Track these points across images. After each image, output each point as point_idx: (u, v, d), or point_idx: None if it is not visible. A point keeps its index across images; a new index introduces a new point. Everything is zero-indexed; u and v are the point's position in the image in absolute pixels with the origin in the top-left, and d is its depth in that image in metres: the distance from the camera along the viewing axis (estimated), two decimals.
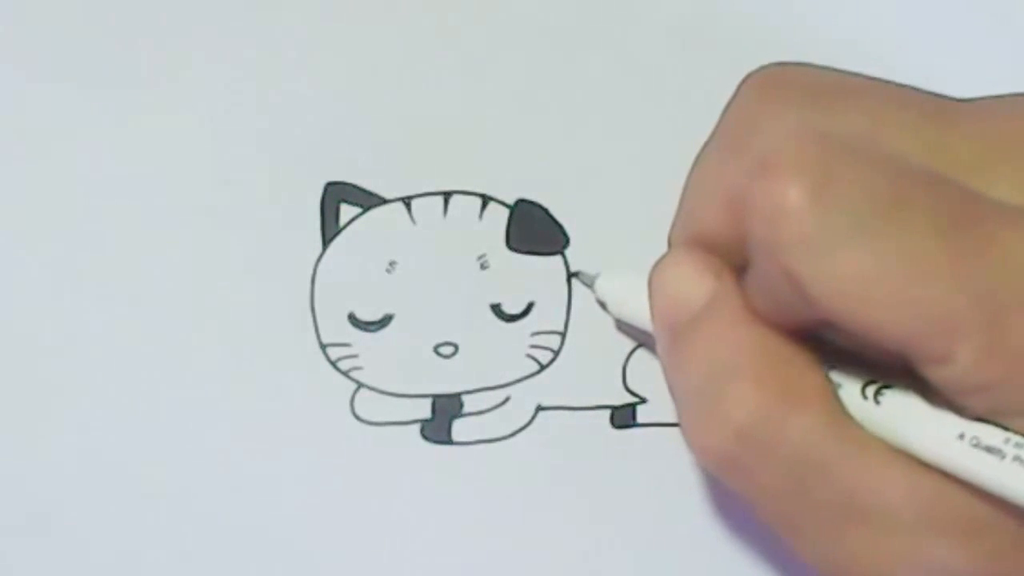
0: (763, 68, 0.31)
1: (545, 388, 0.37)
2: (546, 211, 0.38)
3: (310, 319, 0.37)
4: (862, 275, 0.26)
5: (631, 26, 0.40)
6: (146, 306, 0.37)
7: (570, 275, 0.38)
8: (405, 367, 0.37)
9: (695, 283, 0.30)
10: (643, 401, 0.37)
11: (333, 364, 0.37)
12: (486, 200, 0.38)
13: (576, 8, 0.40)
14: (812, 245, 0.26)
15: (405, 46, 0.39)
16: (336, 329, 0.37)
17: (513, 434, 0.37)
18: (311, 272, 0.38)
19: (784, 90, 0.30)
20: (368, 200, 0.38)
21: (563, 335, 0.38)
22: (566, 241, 0.38)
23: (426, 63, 0.39)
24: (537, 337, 0.37)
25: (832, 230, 0.26)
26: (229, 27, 0.39)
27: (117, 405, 0.37)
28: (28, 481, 0.36)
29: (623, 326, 0.37)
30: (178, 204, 0.38)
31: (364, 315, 0.37)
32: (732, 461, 0.29)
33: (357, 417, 0.37)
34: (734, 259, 0.30)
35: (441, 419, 0.37)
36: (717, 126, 0.32)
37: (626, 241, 0.38)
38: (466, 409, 0.37)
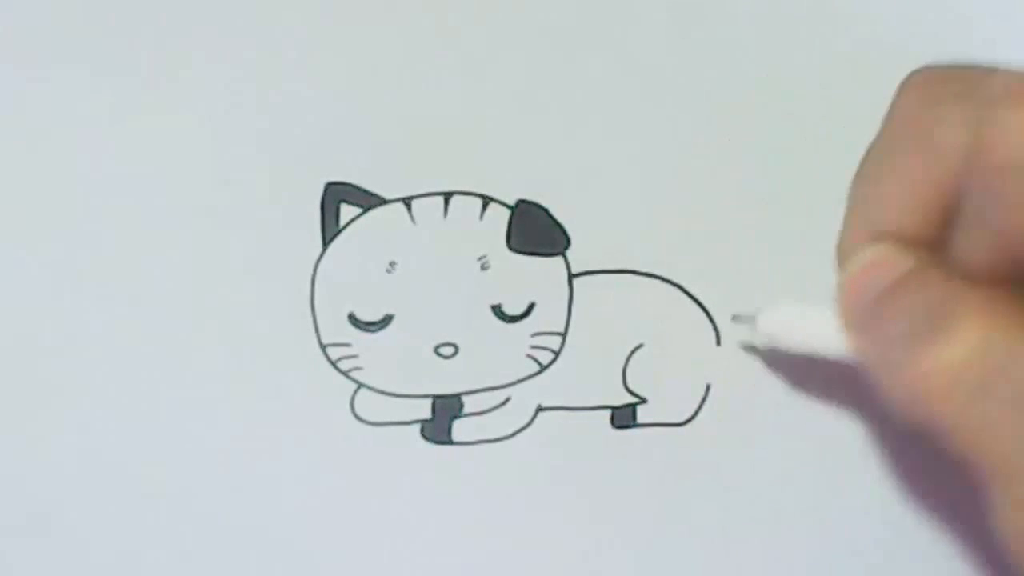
0: (922, 70, 0.32)
1: (545, 388, 0.37)
2: (547, 212, 0.38)
3: (310, 319, 0.37)
4: None
5: (631, 26, 0.40)
6: (146, 306, 0.37)
7: (571, 276, 0.38)
8: (405, 367, 0.37)
9: (898, 254, 0.30)
10: (643, 401, 0.37)
11: (333, 364, 0.37)
12: (487, 200, 0.38)
13: (576, 8, 0.40)
14: None
15: (405, 46, 0.39)
16: (336, 329, 0.37)
17: (513, 434, 0.37)
18: (311, 272, 0.38)
19: (951, 85, 0.30)
20: (368, 200, 0.38)
21: (563, 336, 0.38)
22: (567, 242, 0.38)
23: (426, 63, 0.39)
24: (537, 338, 0.37)
25: None
26: (229, 27, 0.39)
27: (117, 405, 0.37)
28: (28, 481, 0.36)
29: (774, 364, 0.37)
30: (178, 204, 0.38)
31: (364, 315, 0.37)
32: (951, 398, 0.28)
33: (357, 417, 0.37)
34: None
35: (441, 419, 0.37)
36: (885, 130, 0.32)
37: (626, 241, 0.38)
38: (466, 409, 0.37)
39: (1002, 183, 0.29)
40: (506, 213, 0.38)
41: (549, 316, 0.38)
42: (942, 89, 0.31)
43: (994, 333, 0.28)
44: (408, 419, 0.37)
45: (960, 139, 0.29)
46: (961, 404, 0.29)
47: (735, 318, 0.37)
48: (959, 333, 0.28)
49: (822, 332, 0.33)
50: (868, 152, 0.32)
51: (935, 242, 0.31)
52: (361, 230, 0.38)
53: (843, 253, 0.33)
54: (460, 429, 0.37)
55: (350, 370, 0.37)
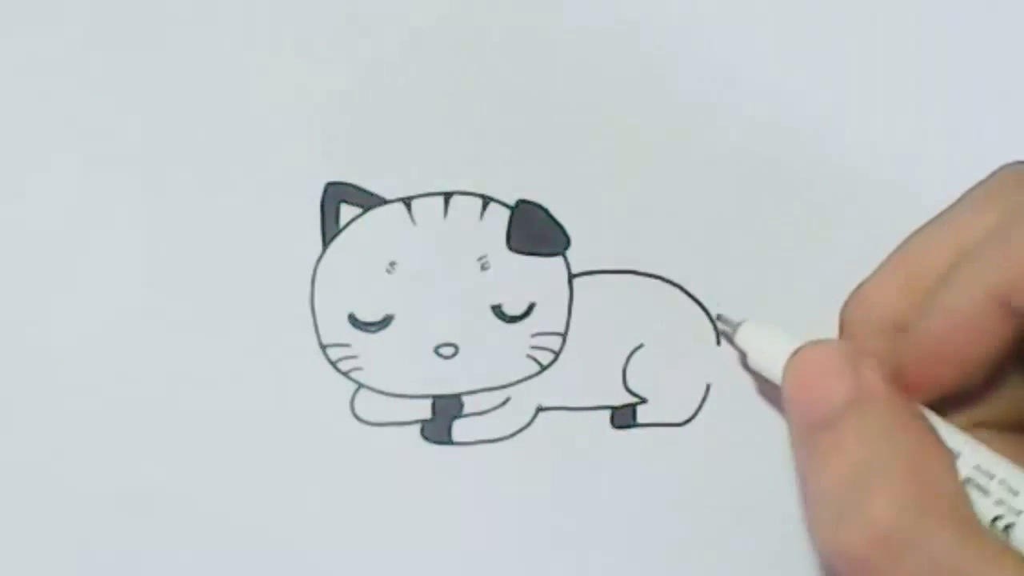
0: (1016, 164, 0.33)
1: (545, 389, 0.37)
2: (547, 212, 0.38)
3: (310, 319, 0.37)
4: None
5: (632, 26, 0.40)
6: (146, 306, 0.37)
7: (571, 276, 0.38)
8: (405, 367, 0.37)
9: (841, 377, 0.31)
10: (643, 401, 0.38)
11: (333, 364, 0.37)
12: (487, 201, 0.38)
13: (577, 8, 0.39)
14: None
15: (405, 46, 0.39)
16: (336, 329, 0.37)
17: (513, 434, 0.37)
18: (311, 272, 0.38)
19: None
20: (368, 200, 0.38)
21: (563, 336, 0.38)
22: (567, 242, 0.38)
23: (426, 63, 0.39)
24: (537, 338, 0.37)
25: None
26: (230, 27, 0.39)
27: (117, 405, 0.37)
28: (28, 481, 0.36)
29: (759, 378, 0.37)
30: (178, 204, 0.38)
31: (364, 315, 0.37)
32: (866, 564, 0.29)
33: (357, 417, 0.37)
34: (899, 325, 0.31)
35: (441, 419, 0.37)
36: (954, 207, 0.33)
37: (626, 241, 0.38)
38: (466, 409, 0.37)
39: None
40: (506, 213, 0.38)
41: (549, 316, 0.38)
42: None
43: (907, 506, 0.29)
44: (408, 419, 0.37)
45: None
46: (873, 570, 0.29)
47: (719, 318, 0.37)
48: (876, 505, 0.29)
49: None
50: (931, 220, 0.33)
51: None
52: (361, 230, 0.38)
53: (860, 296, 0.33)
54: (460, 429, 0.37)
55: (350, 370, 0.37)
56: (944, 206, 0.38)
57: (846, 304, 0.35)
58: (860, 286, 0.34)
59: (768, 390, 0.37)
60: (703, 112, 0.39)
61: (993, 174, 0.33)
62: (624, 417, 0.37)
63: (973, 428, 0.32)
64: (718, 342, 0.38)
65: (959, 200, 0.33)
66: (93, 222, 0.38)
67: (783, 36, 0.40)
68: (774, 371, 0.34)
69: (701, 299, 0.38)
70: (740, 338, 0.36)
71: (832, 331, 0.37)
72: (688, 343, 0.38)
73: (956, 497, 0.29)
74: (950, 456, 0.30)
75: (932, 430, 0.31)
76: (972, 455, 0.31)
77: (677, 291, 0.38)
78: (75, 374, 0.37)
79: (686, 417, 0.38)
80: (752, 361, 0.36)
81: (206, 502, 0.36)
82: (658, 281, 0.38)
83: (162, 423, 0.37)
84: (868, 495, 0.29)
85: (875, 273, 0.34)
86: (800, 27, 0.40)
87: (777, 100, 0.39)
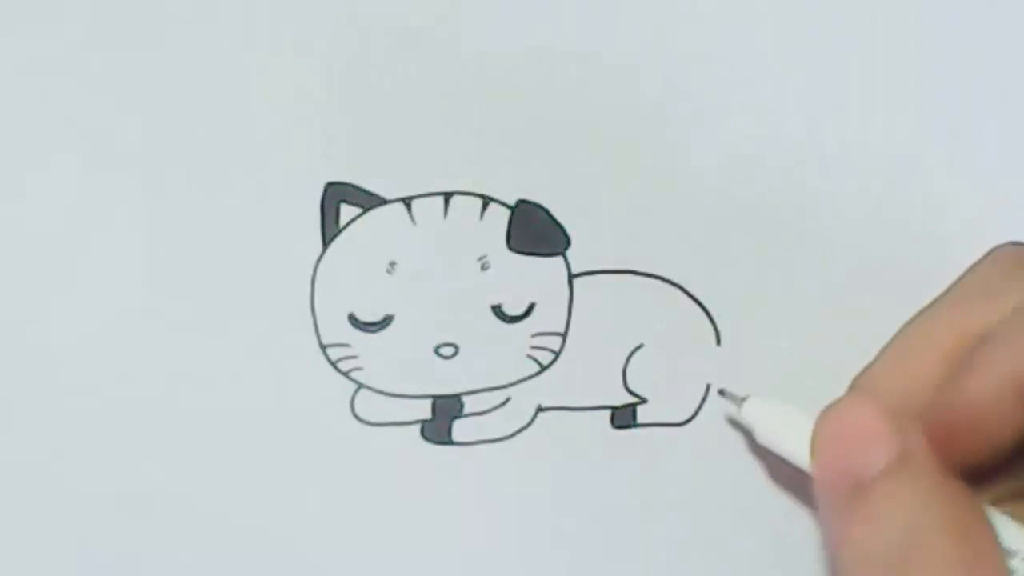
0: (1006, 245, 0.33)
1: (545, 389, 0.37)
2: (547, 212, 0.38)
3: (310, 319, 0.37)
4: None
5: (632, 27, 0.40)
6: (146, 306, 0.37)
7: (571, 276, 0.38)
8: (405, 368, 0.37)
9: (882, 437, 0.30)
10: (643, 401, 0.38)
11: (333, 365, 0.37)
12: (487, 201, 0.38)
13: (576, 9, 0.39)
14: None
15: (405, 46, 0.39)
16: (336, 330, 0.37)
17: (513, 434, 0.37)
18: (311, 272, 0.38)
19: None
20: (368, 200, 0.38)
21: (564, 336, 0.38)
22: (567, 242, 0.38)
23: (426, 63, 0.39)
24: (538, 338, 0.37)
25: None
26: (230, 27, 0.39)
27: (117, 405, 0.37)
28: (28, 481, 0.36)
29: (766, 451, 0.36)
30: (178, 204, 0.38)
31: (364, 315, 0.37)
32: None
33: (357, 417, 0.37)
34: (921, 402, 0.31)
35: (441, 419, 0.37)
36: (949, 289, 0.32)
37: (626, 241, 0.38)
38: (466, 410, 0.37)
39: None
40: (506, 213, 0.38)
41: (549, 316, 0.38)
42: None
43: (957, 573, 0.29)
44: (408, 419, 0.37)
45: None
46: None
47: (722, 393, 0.37)
48: (928, 571, 0.29)
49: (797, 448, 0.33)
50: (934, 303, 0.33)
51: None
52: (361, 230, 0.38)
53: (867, 380, 0.33)
54: (460, 429, 0.37)
55: (350, 370, 0.37)
56: (944, 206, 0.38)
57: (852, 387, 0.34)
58: (866, 370, 0.34)
59: (768, 389, 0.37)
60: (703, 112, 0.39)
61: (989, 255, 0.33)
62: (624, 417, 0.37)
63: (994, 503, 0.32)
64: (718, 342, 0.38)
65: (961, 283, 0.33)
66: (93, 222, 0.38)
67: (783, 36, 0.40)
68: (786, 445, 0.34)
69: (701, 299, 0.38)
70: (746, 412, 0.36)
71: (831, 333, 0.37)
72: (688, 343, 0.38)
73: (1002, 565, 0.29)
74: (990, 523, 0.30)
75: (973, 495, 0.30)
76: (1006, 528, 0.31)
77: (677, 291, 0.38)
78: (75, 374, 0.37)
79: (686, 417, 0.38)
80: (761, 437, 0.35)
81: (206, 502, 0.36)
82: (658, 281, 0.38)
83: (162, 423, 0.37)
84: (919, 561, 0.29)
85: (881, 356, 0.33)
86: (800, 27, 0.40)
87: (777, 100, 0.39)
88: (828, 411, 0.31)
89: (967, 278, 0.33)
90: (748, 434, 0.36)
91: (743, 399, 0.36)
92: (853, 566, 0.30)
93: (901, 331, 0.33)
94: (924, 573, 0.29)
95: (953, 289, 0.33)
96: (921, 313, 0.33)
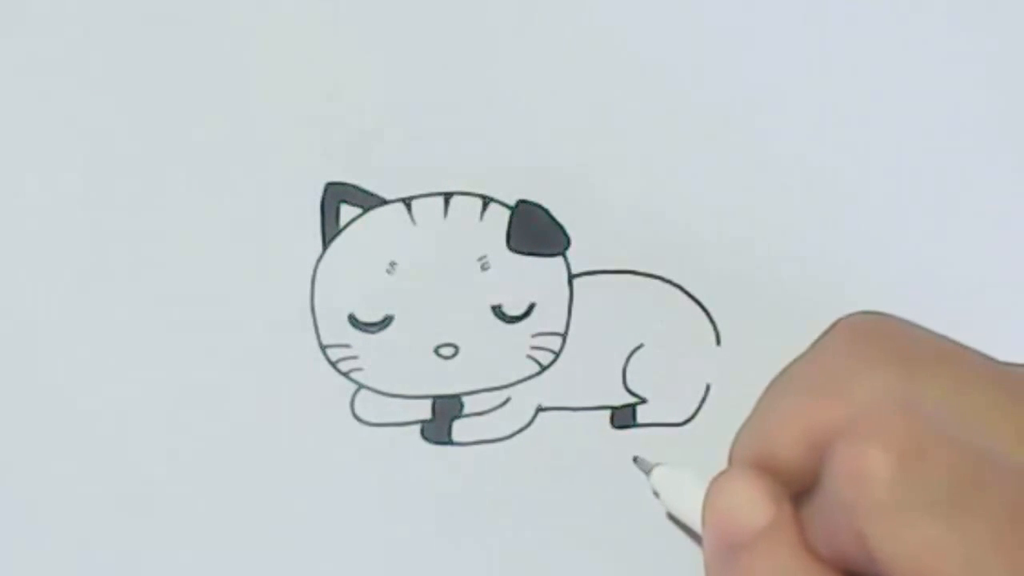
0: (858, 315, 0.32)
1: (545, 389, 0.37)
2: (547, 212, 0.38)
3: (310, 320, 0.37)
4: (933, 549, 0.27)
5: (632, 27, 0.40)
6: (146, 306, 0.37)
7: (571, 276, 0.38)
8: (405, 368, 0.37)
9: (756, 504, 0.31)
10: (643, 401, 0.37)
11: (333, 365, 0.37)
12: (487, 201, 0.38)
13: (577, 9, 0.39)
14: (889, 513, 0.28)
15: (406, 46, 0.39)
16: (336, 330, 0.37)
17: (513, 435, 0.37)
18: (311, 272, 0.38)
19: (876, 346, 0.31)
20: (368, 200, 0.38)
21: (564, 336, 0.38)
22: (567, 242, 0.38)
23: (427, 63, 0.39)
24: (538, 338, 0.37)
25: (911, 502, 0.28)
26: (230, 27, 0.39)
27: (117, 405, 0.37)
28: (28, 481, 0.36)
29: (673, 518, 0.37)
30: (178, 204, 0.38)
31: (364, 316, 0.37)
32: None
33: (357, 418, 0.37)
34: (794, 487, 0.31)
35: (441, 420, 0.37)
36: (804, 359, 0.32)
37: (626, 242, 0.38)
38: (466, 410, 0.37)
39: (823, 501, 0.30)
40: (506, 213, 0.38)
41: (549, 316, 0.38)
42: (865, 347, 0.31)
43: None
44: (408, 419, 0.37)
45: (866, 412, 0.29)
46: None
47: (636, 460, 0.37)
48: None
49: (695, 516, 0.33)
50: (786, 371, 0.32)
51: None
52: (361, 230, 0.38)
53: (734, 454, 0.33)
54: (460, 429, 0.37)
55: (350, 371, 0.37)
56: (943, 207, 0.38)
57: (731, 455, 0.34)
58: (738, 441, 0.33)
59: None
60: (703, 112, 0.39)
61: (837, 327, 0.32)
62: (624, 417, 0.37)
63: None
64: (718, 342, 0.38)
65: (810, 363, 0.32)
66: (93, 222, 0.38)
67: (783, 37, 0.40)
68: (684, 510, 0.35)
69: (701, 299, 0.38)
70: (654, 480, 0.36)
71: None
72: (688, 343, 0.38)
73: None
74: None
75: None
76: None
77: (677, 291, 0.38)
78: (75, 374, 0.37)
79: (686, 417, 0.38)
80: (667, 503, 0.36)
81: (206, 502, 0.36)
82: (658, 281, 0.38)
83: (162, 423, 0.37)
84: None
85: (745, 430, 0.33)
86: (801, 28, 0.40)
87: (778, 101, 0.39)
88: (715, 480, 0.32)
89: (817, 356, 0.32)
90: None
91: (654, 465, 0.36)
92: None
93: (760, 405, 0.33)
94: None
95: (803, 370, 0.32)
96: (776, 392, 0.33)
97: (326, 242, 0.38)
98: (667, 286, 0.38)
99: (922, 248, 0.39)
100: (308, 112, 0.39)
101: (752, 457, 0.32)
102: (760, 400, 0.33)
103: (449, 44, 0.39)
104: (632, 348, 0.38)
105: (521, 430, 0.37)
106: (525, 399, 0.37)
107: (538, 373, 0.37)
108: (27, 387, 0.37)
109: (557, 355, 0.38)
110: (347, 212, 0.38)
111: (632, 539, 0.37)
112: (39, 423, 0.37)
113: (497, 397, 0.37)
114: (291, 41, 0.39)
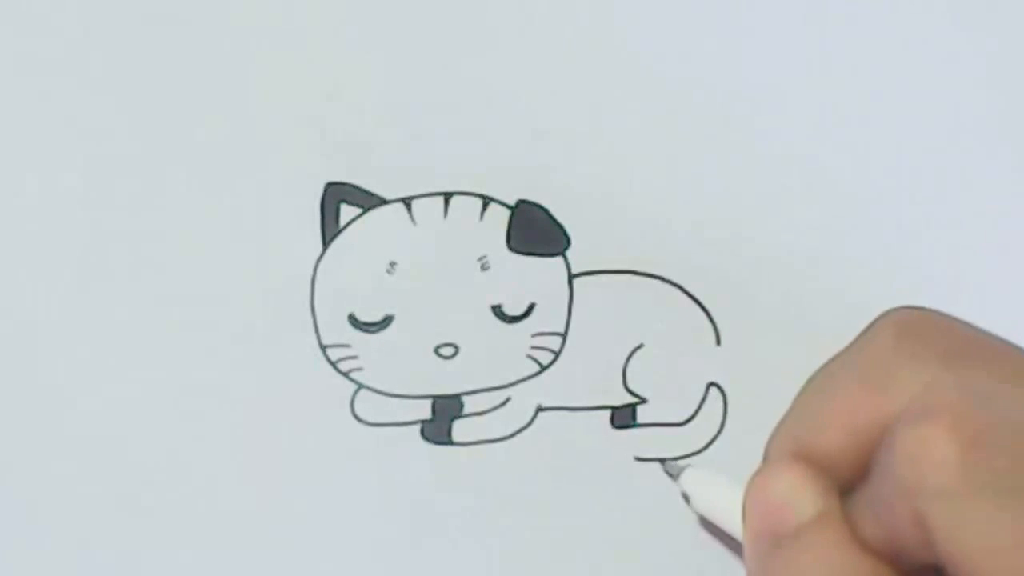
0: (903, 310, 0.32)
1: (545, 389, 0.37)
2: (547, 212, 0.38)
3: (310, 320, 0.37)
4: (996, 534, 0.27)
5: (632, 27, 0.40)
6: (146, 306, 0.37)
7: (571, 276, 0.38)
8: (405, 368, 0.37)
9: (804, 496, 0.31)
10: (643, 401, 0.37)
11: (333, 365, 0.37)
12: (487, 201, 0.38)
13: (577, 9, 0.39)
14: (953, 496, 0.27)
15: (406, 46, 0.39)
16: (336, 330, 0.37)
17: (513, 434, 0.37)
18: (311, 272, 0.38)
19: (923, 340, 0.31)
20: (368, 200, 0.38)
21: (563, 336, 0.38)
22: (567, 242, 0.38)
23: (427, 63, 0.39)
24: (538, 338, 0.37)
25: (976, 486, 0.27)
26: (230, 27, 0.39)
27: (117, 406, 0.37)
28: (28, 481, 0.36)
29: (705, 522, 0.36)
30: (178, 204, 0.38)
31: (364, 316, 0.37)
32: None
33: (357, 418, 0.37)
34: (838, 481, 0.31)
35: (441, 420, 0.37)
36: (848, 354, 0.32)
37: (626, 242, 0.38)
38: (466, 410, 0.37)
39: (879, 487, 0.30)
40: (506, 213, 0.38)
41: (549, 316, 0.38)
42: (910, 342, 0.31)
43: None
44: (408, 419, 0.37)
45: (929, 397, 0.29)
46: None
47: (663, 463, 0.37)
48: None
49: (729, 516, 0.33)
50: (828, 366, 0.32)
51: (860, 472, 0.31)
52: (361, 230, 0.38)
53: (772, 449, 0.33)
54: (460, 429, 0.37)
55: (350, 371, 0.37)
56: (943, 208, 0.38)
57: (767, 451, 0.34)
58: (777, 434, 0.33)
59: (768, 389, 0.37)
60: (703, 112, 0.39)
61: (882, 322, 0.32)
62: (624, 417, 0.37)
63: None
64: (718, 342, 0.38)
65: (858, 356, 0.32)
66: (93, 222, 0.38)
67: (783, 36, 0.40)
68: (718, 509, 0.34)
69: (701, 299, 0.38)
70: (684, 482, 0.36)
71: (831, 333, 0.37)
72: (688, 343, 0.38)
73: None
74: None
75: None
76: None
77: (677, 291, 0.38)
78: (75, 374, 0.37)
79: (686, 417, 0.38)
80: (698, 505, 0.35)
81: (206, 502, 0.36)
82: (658, 281, 0.38)
83: (162, 423, 0.37)
84: None
85: (786, 423, 0.33)
86: (801, 28, 0.40)
87: (777, 100, 0.39)
88: (757, 474, 0.32)
89: (863, 350, 0.32)
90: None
91: (683, 468, 0.36)
92: None
93: (802, 400, 0.33)
94: None
95: (849, 363, 0.32)
96: (818, 387, 0.32)
97: (326, 242, 0.38)
98: (667, 286, 0.38)
99: (922, 248, 0.39)
100: (308, 112, 0.39)
101: (793, 452, 0.32)
102: (799, 396, 0.32)
103: (449, 44, 0.39)
104: (632, 348, 0.38)
105: (521, 430, 0.37)
106: (525, 399, 0.37)
107: (538, 373, 0.37)
108: (27, 387, 0.37)
109: (557, 355, 0.38)
110: (347, 212, 0.38)
111: (632, 539, 0.37)
112: (39, 423, 0.37)
113: (497, 397, 0.37)
114: (291, 41, 0.39)
